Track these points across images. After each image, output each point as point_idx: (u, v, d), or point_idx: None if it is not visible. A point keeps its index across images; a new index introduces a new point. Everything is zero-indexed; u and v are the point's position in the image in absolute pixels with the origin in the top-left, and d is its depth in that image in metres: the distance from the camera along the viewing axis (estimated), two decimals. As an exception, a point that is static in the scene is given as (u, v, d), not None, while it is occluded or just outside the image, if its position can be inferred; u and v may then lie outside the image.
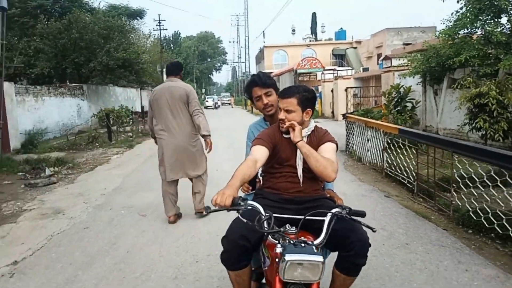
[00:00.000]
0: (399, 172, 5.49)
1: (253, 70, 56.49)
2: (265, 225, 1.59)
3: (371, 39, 35.30)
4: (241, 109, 37.27)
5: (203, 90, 73.75)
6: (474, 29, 7.92)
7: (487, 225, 3.50)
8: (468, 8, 7.64)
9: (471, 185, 3.94)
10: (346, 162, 7.37)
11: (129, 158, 9.11)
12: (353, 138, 7.89)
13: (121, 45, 17.52)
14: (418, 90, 10.51)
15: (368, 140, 6.83)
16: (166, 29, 39.14)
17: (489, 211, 3.53)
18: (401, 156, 5.44)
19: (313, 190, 2.06)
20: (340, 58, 40.14)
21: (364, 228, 1.75)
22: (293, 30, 44.84)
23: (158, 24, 29.30)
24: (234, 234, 1.74)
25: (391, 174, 5.83)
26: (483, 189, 3.79)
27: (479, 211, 3.65)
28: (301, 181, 2.01)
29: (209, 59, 76.10)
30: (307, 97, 2.02)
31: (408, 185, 5.20)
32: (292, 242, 1.53)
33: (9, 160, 8.49)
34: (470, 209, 3.79)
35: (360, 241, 1.73)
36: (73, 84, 17.41)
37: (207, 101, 42.22)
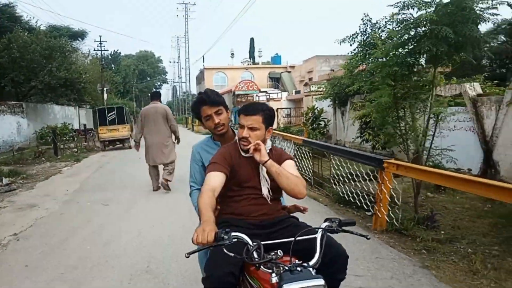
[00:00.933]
0: (302, 170, 7.38)
1: (194, 90, 57.90)
2: (255, 255, 1.48)
3: (303, 65, 38.72)
4: (182, 127, 38.35)
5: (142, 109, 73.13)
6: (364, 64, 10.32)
7: (351, 200, 5.41)
8: (359, 49, 10.03)
9: (350, 178, 5.85)
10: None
11: (80, 169, 10.10)
12: (275, 149, 9.78)
13: (63, 64, 18.09)
14: (330, 111, 12.85)
15: (284, 149, 8.70)
16: (107, 50, 39.26)
17: (350, 193, 5.45)
18: (304, 160, 7.34)
19: (277, 211, 2.00)
20: (276, 81, 43.10)
21: (357, 236, 1.69)
22: (232, 54, 47.32)
23: (100, 45, 29.86)
24: (219, 271, 1.57)
25: (299, 174, 7.71)
26: (354, 182, 5.70)
27: (346, 194, 5.55)
28: (268, 201, 1.95)
29: (148, 78, 75.82)
30: (270, 115, 1.99)
31: (308, 179, 7.08)
32: (287, 268, 1.42)
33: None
34: (341, 193, 5.70)
35: (339, 255, 1.68)
36: (12, 102, 17.53)
37: None
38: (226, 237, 1.47)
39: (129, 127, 15.47)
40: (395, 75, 4.67)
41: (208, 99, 2.19)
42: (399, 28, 4.69)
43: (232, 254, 1.47)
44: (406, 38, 4.60)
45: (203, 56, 47.25)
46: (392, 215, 4.36)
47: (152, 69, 75.37)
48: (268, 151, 1.96)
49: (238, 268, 1.61)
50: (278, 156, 2.02)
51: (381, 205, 4.38)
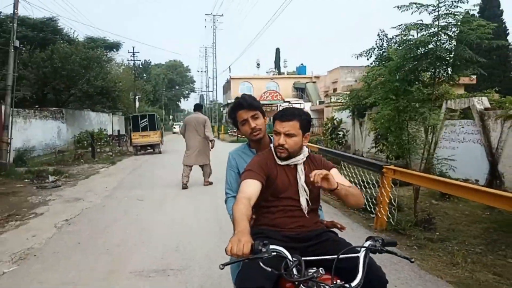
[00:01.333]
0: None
1: (220, 99, 59.30)
2: (295, 272, 1.41)
3: (328, 75, 39.14)
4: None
5: (171, 117, 75.38)
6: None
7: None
8: (376, 63, 10.54)
9: (358, 184, 6.40)
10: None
11: (116, 170, 11.09)
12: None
13: (99, 74, 19.49)
14: (349, 122, 13.34)
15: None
16: (139, 60, 41.37)
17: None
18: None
19: (315, 224, 1.92)
20: (301, 91, 43.68)
21: (400, 258, 1.62)
22: (258, 64, 48.44)
23: (133, 55, 31.71)
24: (252, 286, 1.50)
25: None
26: (364, 188, 6.27)
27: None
28: (305, 213, 1.86)
29: (177, 87, 78.10)
30: (307, 120, 1.92)
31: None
32: None
33: (12, 170, 10.21)
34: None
35: (379, 279, 1.59)
36: (54, 108, 19.02)
37: (174, 127, 44.57)
38: (263, 249, 1.37)
39: (159, 134, 16.54)
40: (397, 90, 5.23)
41: (245, 103, 2.16)
42: (402, 48, 5.26)
43: (269, 269, 1.38)
44: (408, 57, 5.17)
45: (229, 66, 48.60)
46: (389, 216, 4.90)
47: (180, 78, 77.68)
48: (305, 158, 1.94)
49: (272, 283, 1.53)
50: (318, 166, 1.94)
51: (381, 206, 4.92)
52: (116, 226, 5.04)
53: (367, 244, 1.55)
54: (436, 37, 4.76)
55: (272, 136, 2.08)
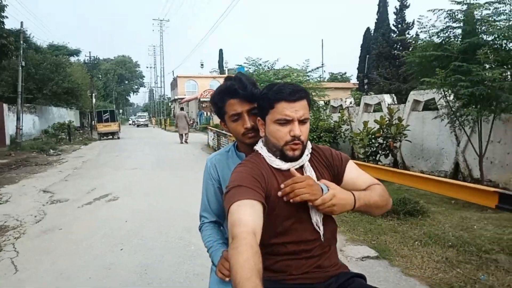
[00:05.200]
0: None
1: (169, 94, 64.27)
2: None
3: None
4: (158, 128, 44.85)
5: (120, 111, 78.56)
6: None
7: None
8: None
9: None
10: (203, 149, 16.04)
11: (92, 147, 16.90)
12: (211, 137, 16.64)
13: (66, 77, 24.46)
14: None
15: (217, 139, 15.67)
16: (96, 63, 45.58)
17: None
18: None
19: (335, 264, 1.31)
20: (240, 89, 50.00)
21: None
22: (202, 65, 54.27)
23: (89, 59, 36.41)
24: None
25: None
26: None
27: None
28: (323, 240, 1.27)
29: (126, 82, 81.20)
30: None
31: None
32: None
33: (23, 146, 15.56)
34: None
35: None
36: (28, 104, 23.74)
37: (129, 120, 50.15)
38: None
39: (118, 124, 22.22)
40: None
41: (242, 89, 1.39)
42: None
43: None
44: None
45: (173, 71, 53.94)
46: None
47: (130, 73, 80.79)
48: (309, 154, 1.33)
49: None
50: (328, 161, 1.36)
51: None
52: (110, 163, 11.08)
53: None
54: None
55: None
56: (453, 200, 5.39)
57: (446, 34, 5.35)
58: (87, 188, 7.14)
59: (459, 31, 5.43)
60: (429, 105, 8.20)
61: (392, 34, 21.20)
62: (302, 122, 1.24)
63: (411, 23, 21.26)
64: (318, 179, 1.27)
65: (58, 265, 3.52)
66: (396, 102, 9.19)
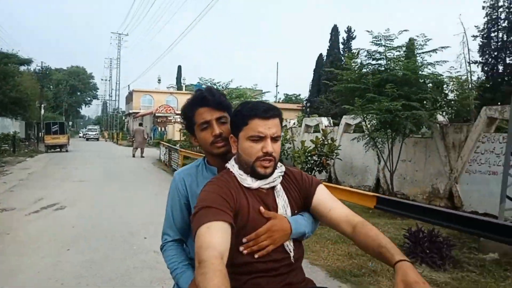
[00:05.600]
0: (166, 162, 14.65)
1: (123, 108, 62.95)
2: None
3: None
4: (110, 141, 43.77)
5: (70, 123, 75.48)
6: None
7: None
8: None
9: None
10: (155, 163, 16.25)
11: (37, 160, 16.45)
12: (163, 152, 16.88)
13: (14, 87, 23.59)
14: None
15: (168, 154, 15.94)
16: (48, 72, 43.97)
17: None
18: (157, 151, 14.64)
19: (302, 280, 1.34)
20: (196, 105, 50.23)
21: None
22: (159, 80, 53.98)
23: (41, 69, 35.13)
24: None
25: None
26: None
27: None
28: (292, 260, 1.28)
29: (79, 93, 78.37)
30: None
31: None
32: None
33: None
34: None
35: None
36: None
37: (80, 133, 48.63)
38: None
39: (67, 137, 21.74)
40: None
41: (212, 98, 1.45)
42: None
43: None
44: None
45: (129, 85, 53.34)
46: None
47: (83, 84, 78.17)
48: (281, 176, 1.33)
49: None
50: (301, 183, 1.36)
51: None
52: (54, 175, 11.05)
53: None
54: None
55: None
56: (370, 210, 6.29)
57: (365, 71, 6.35)
58: (33, 198, 7.29)
59: (376, 66, 6.46)
60: (360, 128, 9.29)
61: (340, 62, 22.98)
62: (274, 139, 1.26)
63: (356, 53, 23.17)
64: (289, 202, 1.32)
65: (7, 264, 3.85)
66: (332, 125, 10.24)
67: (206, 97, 1.44)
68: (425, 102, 5.81)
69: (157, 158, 16.63)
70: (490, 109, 5.95)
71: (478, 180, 6.09)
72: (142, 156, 17.69)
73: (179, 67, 62.34)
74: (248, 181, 1.28)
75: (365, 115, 6.32)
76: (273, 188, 1.31)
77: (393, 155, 6.56)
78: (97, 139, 44.16)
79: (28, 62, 26.75)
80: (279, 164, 1.33)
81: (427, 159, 7.10)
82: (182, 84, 57.08)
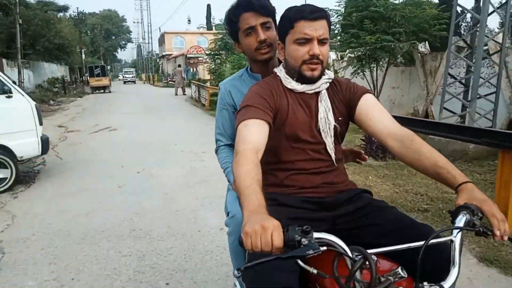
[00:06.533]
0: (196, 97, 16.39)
1: (157, 50, 64.63)
2: (358, 276, 0.84)
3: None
4: (147, 83, 46.25)
5: (109, 67, 78.69)
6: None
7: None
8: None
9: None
10: (187, 100, 18.07)
11: (86, 99, 18.84)
12: (193, 90, 18.58)
13: (57, 34, 25.67)
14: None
15: (198, 91, 17.66)
16: (83, 18, 45.86)
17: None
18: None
19: (344, 181, 1.35)
20: (227, 45, 50.79)
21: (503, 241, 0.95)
22: (189, 20, 54.61)
23: (77, 15, 37.01)
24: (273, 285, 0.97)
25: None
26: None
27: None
28: (334, 161, 1.31)
29: (113, 37, 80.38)
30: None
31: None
32: None
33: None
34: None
35: (444, 261, 0.93)
36: (23, 60, 25.11)
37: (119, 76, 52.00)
38: (305, 241, 0.80)
39: (108, 79, 24.01)
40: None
41: (257, 2, 1.42)
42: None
43: (315, 271, 0.84)
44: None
45: (159, 27, 53.91)
46: None
47: (116, 28, 79.79)
48: (328, 83, 1.31)
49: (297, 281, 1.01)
50: (347, 91, 1.32)
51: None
52: (103, 109, 13.15)
53: (463, 220, 0.92)
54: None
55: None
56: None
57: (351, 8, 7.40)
58: (91, 123, 9.35)
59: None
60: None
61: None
62: (321, 42, 1.21)
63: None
64: (333, 112, 1.28)
65: (87, 156, 5.85)
66: (339, 58, 11.34)
67: (251, 1, 1.42)
68: (398, 34, 6.84)
69: (190, 96, 18.46)
70: (458, 39, 6.94)
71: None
72: (184, 94, 19.79)
73: (208, 6, 61.77)
74: (293, 84, 1.28)
75: (350, 49, 7.51)
76: (317, 93, 1.29)
77: (377, 82, 7.81)
78: (134, 82, 46.34)
79: (65, 8, 28.55)
80: (327, 71, 1.31)
81: (410, 85, 8.27)
82: (212, 24, 57.25)
